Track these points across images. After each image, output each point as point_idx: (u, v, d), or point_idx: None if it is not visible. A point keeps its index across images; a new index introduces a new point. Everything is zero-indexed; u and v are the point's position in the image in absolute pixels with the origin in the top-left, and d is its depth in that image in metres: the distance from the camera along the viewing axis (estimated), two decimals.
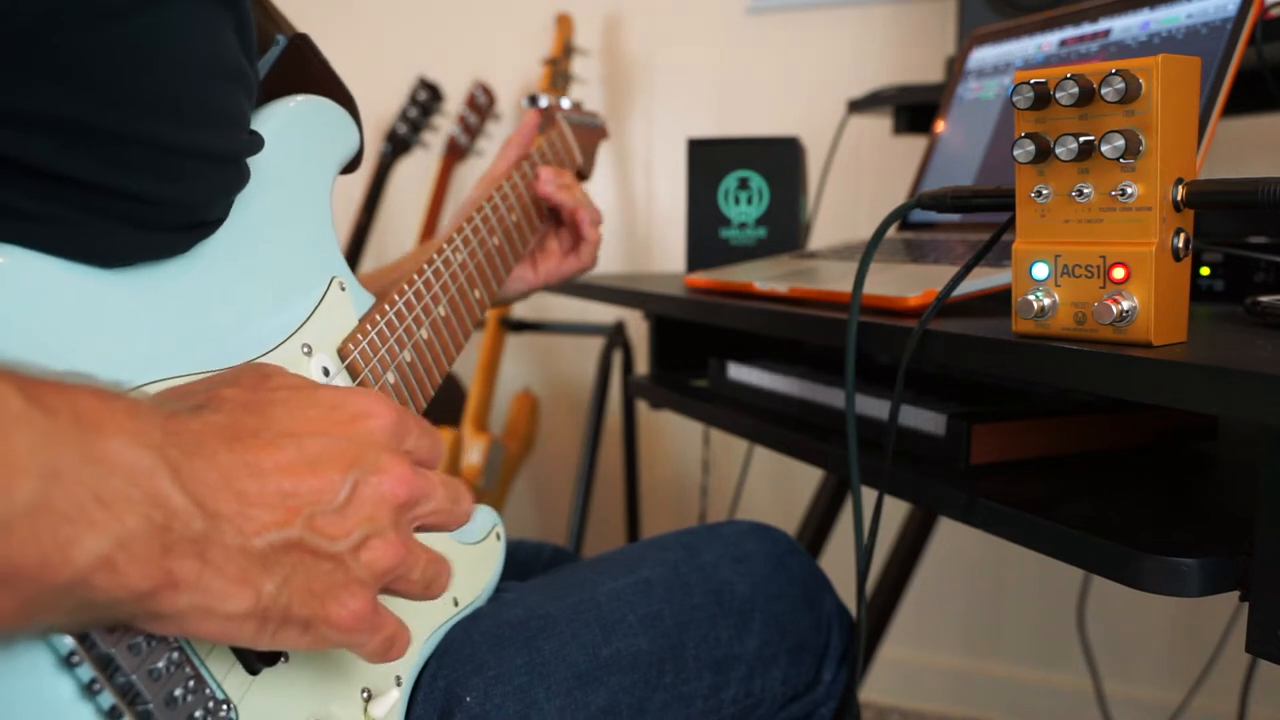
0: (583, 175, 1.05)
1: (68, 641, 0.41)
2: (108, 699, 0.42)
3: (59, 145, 0.45)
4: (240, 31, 0.54)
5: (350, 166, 0.67)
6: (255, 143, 0.56)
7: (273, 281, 0.58)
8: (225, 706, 0.47)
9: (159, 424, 0.40)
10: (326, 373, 0.60)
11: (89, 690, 0.42)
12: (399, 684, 0.60)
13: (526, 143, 0.95)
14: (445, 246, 0.77)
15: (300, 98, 0.62)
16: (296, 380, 0.49)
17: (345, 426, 0.47)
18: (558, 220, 0.96)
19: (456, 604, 0.67)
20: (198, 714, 0.46)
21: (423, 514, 0.49)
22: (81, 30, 0.44)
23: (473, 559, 0.70)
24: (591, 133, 1.08)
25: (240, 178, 0.55)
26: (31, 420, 0.35)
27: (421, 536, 0.50)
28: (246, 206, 0.56)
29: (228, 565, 0.41)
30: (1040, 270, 0.58)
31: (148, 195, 0.48)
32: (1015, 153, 0.58)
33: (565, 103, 1.05)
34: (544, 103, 1.02)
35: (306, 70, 0.65)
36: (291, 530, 0.43)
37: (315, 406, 0.47)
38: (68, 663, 0.41)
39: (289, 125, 0.61)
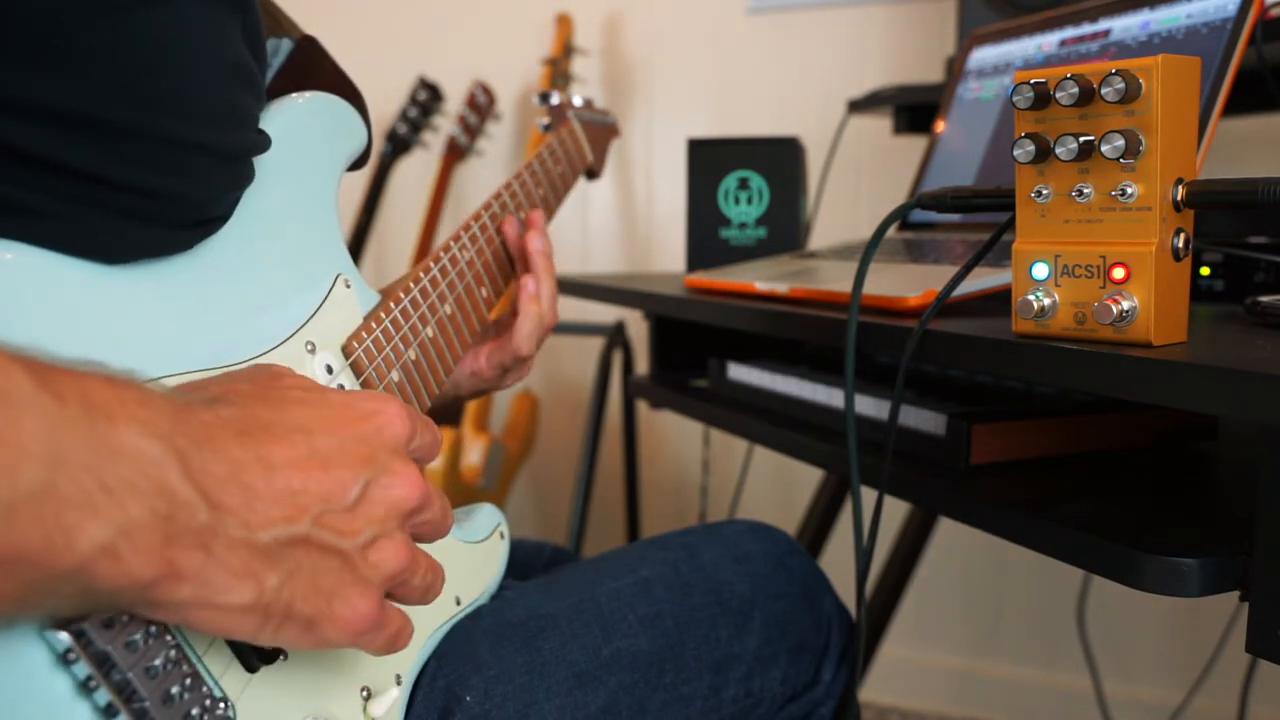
0: (593, 173, 1.05)
1: (64, 638, 0.41)
2: (104, 696, 0.42)
3: (64, 137, 0.45)
4: (248, 33, 0.54)
5: (357, 163, 0.67)
6: (262, 142, 0.56)
7: (277, 278, 0.58)
8: (223, 704, 0.47)
9: (169, 413, 0.40)
10: (330, 370, 0.60)
11: (85, 687, 0.42)
12: (399, 683, 0.60)
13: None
14: (452, 244, 0.77)
15: (308, 94, 0.62)
16: (307, 381, 0.49)
17: (356, 425, 0.47)
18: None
19: (459, 603, 0.67)
20: (194, 712, 0.46)
21: (421, 521, 0.50)
22: (88, 22, 0.45)
23: (476, 558, 0.70)
24: (603, 130, 1.08)
25: (245, 176, 0.55)
26: (41, 405, 0.35)
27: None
28: (252, 202, 0.56)
29: (231, 558, 0.41)
30: (1040, 270, 0.58)
31: (151, 189, 0.48)
32: (1015, 153, 0.58)
33: (577, 100, 1.05)
34: (556, 100, 1.02)
35: (316, 72, 0.65)
36: (298, 526, 0.43)
37: (327, 406, 0.47)
38: (64, 660, 0.41)
39: (296, 121, 0.61)
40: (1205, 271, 0.88)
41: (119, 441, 0.37)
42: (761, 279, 0.91)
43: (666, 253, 2.01)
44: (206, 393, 0.45)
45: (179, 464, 0.39)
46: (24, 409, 0.35)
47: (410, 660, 0.62)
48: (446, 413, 1.89)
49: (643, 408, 1.86)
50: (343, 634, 0.45)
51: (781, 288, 0.86)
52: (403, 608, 0.50)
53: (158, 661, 0.44)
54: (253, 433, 0.43)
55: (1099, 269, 0.56)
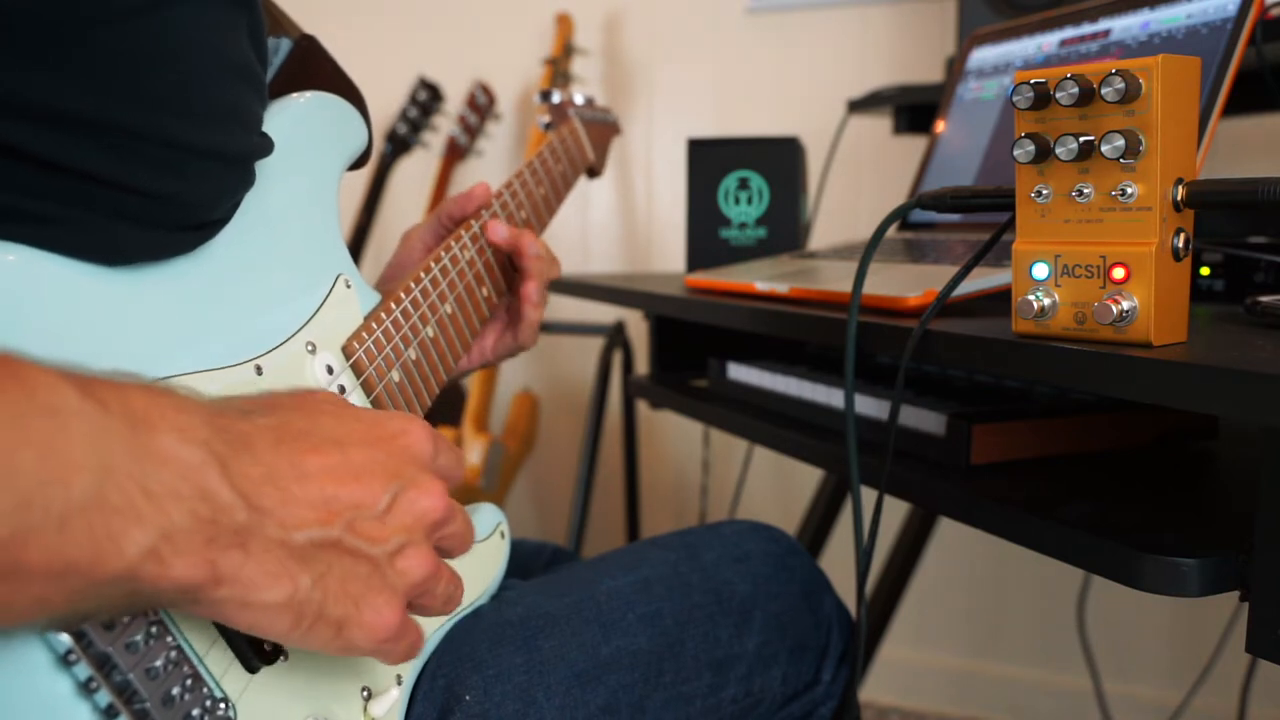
0: (594, 172, 1.05)
1: (65, 640, 0.41)
2: (105, 697, 0.42)
3: (68, 138, 0.45)
4: (253, 34, 0.54)
5: (358, 163, 0.68)
6: (265, 146, 0.57)
7: (278, 278, 0.58)
8: (223, 705, 0.47)
9: (206, 420, 0.41)
10: (330, 370, 0.60)
11: (86, 688, 0.42)
12: (399, 683, 0.60)
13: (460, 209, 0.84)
14: (453, 244, 0.77)
15: (309, 94, 0.62)
16: (338, 399, 0.51)
17: (387, 442, 0.49)
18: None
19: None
20: (195, 712, 0.46)
21: (446, 534, 0.51)
22: (98, 25, 0.45)
23: (477, 557, 0.70)
24: (604, 129, 1.08)
25: (246, 180, 0.55)
26: (87, 414, 0.36)
27: None
28: (253, 203, 0.56)
29: (267, 557, 0.42)
30: (1040, 270, 0.58)
31: (152, 191, 0.48)
32: (1015, 153, 0.58)
33: (579, 98, 1.05)
34: (557, 99, 1.02)
35: (316, 71, 0.65)
36: (331, 530, 0.44)
37: (357, 421, 0.49)
38: (65, 661, 0.41)
39: (297, 121, 0.61)
40: (1205, 271, 0.88)
41: (160, 448, 0.38)
42: (761, 279, 0.91)
43: (666, 253, 2.01)
44: (242, 404, 0.46)
45: (218, 467, 0.40)
46: (72, 419, 0.36)
47: (412, 660, 0.62)
48: (446, 407, 1.88)
49: (643, 408, 1.86)
50: (368, 639, 0.46)
51: (781, 288, 0.86)
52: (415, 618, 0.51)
53: (158, 662, 0.44)
54: (288, 440, 0.45)
55: (1099, 269, 0.56)
